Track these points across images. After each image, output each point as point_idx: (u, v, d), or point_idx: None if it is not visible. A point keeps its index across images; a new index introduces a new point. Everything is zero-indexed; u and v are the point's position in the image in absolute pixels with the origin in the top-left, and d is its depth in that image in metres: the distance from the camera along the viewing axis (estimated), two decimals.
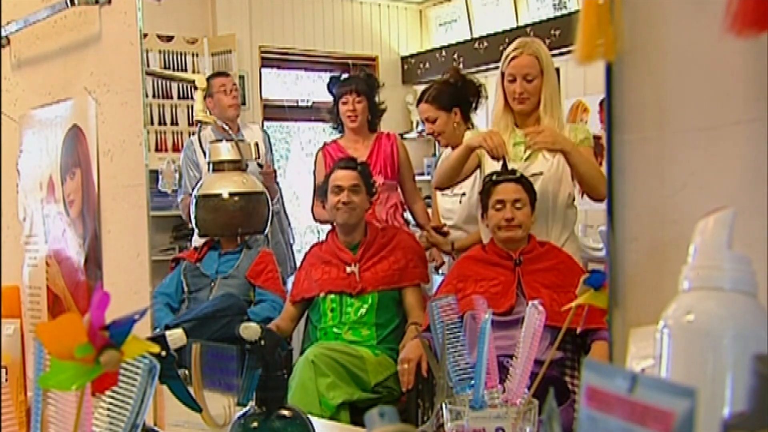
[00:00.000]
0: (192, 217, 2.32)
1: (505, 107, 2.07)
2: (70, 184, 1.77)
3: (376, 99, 2.76)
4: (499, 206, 1.90)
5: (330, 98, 2.81)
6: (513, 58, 2.05)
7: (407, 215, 2.78)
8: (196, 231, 2.43)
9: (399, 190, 2.74)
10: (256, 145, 2.57)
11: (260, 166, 2.59)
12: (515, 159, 2.00)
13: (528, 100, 2.04)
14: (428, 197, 4.44)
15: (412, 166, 2.82)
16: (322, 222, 2.66)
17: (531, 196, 1.91)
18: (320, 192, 2.43)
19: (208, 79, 2.87)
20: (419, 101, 2.58)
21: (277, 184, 2.92)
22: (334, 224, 2.40)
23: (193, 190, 2.38)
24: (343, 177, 2.35)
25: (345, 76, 2.86)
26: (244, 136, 2.70)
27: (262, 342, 1.03)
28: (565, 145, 1.88)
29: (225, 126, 2.33)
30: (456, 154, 2.07)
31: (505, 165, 1.94)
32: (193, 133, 2.66)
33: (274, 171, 2.89)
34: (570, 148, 1.88)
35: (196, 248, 2.53)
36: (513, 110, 2.06)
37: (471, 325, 1.22)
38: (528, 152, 2.01)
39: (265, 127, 3.65)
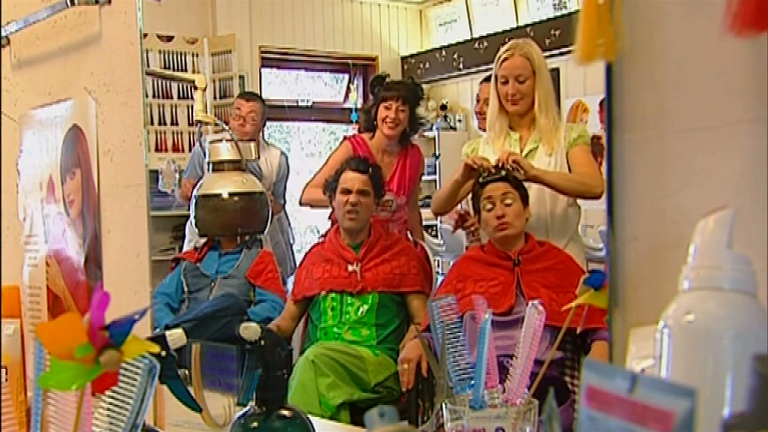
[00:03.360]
0: (192, 216, 2.32)
1: (499, 109, 2.08)
2: (70, 184, 1.77)
3: (418, 112, 2.68)
4: (489, 205, 1.91)
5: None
6: (504, 60, 2.06)
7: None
8: (195, 231, 2.42)
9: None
10: (257, 145, 2.57)
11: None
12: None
13: (521, 101, 2.04)
14: (428, 197, 4.45)
15: None
16: (312, 206, 2.62)
17: (521, 192, 1.92)
18: (329, 188, 2.41)
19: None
20: (485, 80, 2.57)
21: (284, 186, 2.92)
22: (338, 223, 2.40)
23: (194, 186, 2.37)
24: (353, 180, 2.34)
25: (390, 78, 2.73)
26: (259, 158, 2.67)
27: (262, 342, 1.03)
28: (530, 174, 1.90)
29: (225, 126, 2.32)
30: (448, 187, 2.09)
31: (498, 170, 1.95)
32: (193, 134, 2.66)
33: (281, 206, 2.88)
34: (539, 175, 1.91)
35: (196, 248, 2.53)
36: (507, 112, 2.07)
37: (471, 325, 1.22)
38: (524, 153, 2.02)
39: (265, 128, 3.65)
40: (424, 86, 4.59)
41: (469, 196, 2.06)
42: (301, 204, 2.71)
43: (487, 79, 2.57)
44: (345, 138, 2.73)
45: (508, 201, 1.90)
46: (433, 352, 1.17)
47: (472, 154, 2.09)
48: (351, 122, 3.90)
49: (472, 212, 2.05)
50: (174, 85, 2.99)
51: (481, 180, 1.95)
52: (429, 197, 4.41)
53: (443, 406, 1.09)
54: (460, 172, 2.01)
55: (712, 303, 0.64)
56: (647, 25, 0.91)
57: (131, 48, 1.60)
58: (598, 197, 1.79)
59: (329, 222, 2.57)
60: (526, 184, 1.94)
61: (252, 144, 2.50)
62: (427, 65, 4.58)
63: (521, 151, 2.03)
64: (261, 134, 2.88)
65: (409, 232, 2.64)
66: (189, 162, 2.71)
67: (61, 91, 1.81)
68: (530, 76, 2.04)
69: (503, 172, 1.93)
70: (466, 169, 1.98)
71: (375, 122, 2.63)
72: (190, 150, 2.90)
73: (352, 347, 2.19)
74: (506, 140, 2.05)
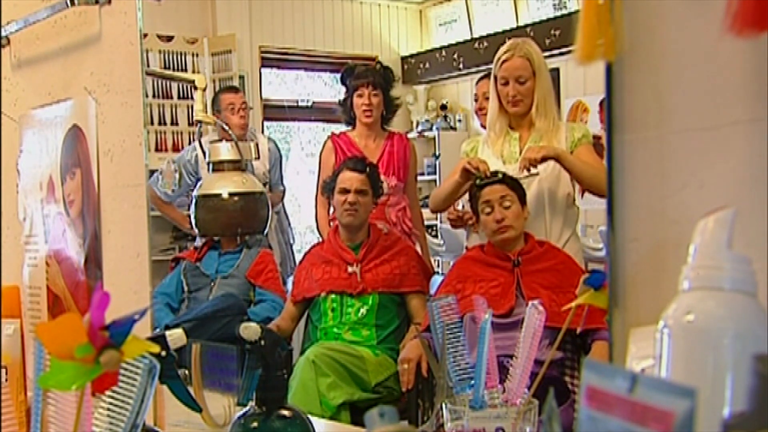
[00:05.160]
0: (192, 217, 2.32)
1: (499, 110, 2.07)
2: (70, 184, 1.77)
3: (392, 94, 2.68)
4: (488, 209, 1.90)
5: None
6: (504, 61, 2.05)
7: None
8: (196, 231, 2.43)
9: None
10: (256, 145, 2.57)
11: (264, 185, 2.57)
12: (510, 160, 2.01)
13: (522, 102, 2.04)
14: (428, 197, 4.45)
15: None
16: (322, 228, 2.62)
17: (518, 193, 1.91)
18: (327, 188, 2.42)
19: (217, 94, 2.86)
20: (482, 78, 2.56)
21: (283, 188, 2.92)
22: (337, 224, 2.40)
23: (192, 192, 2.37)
24: (351, 179, 2.34)
25: (361, 67, 2.73)
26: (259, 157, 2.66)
27: (262, 342, 1.03)
28: (551, 152, 1.89)
29: (225, 126, 2.32)
30: (448, 188, 2.08)
31: (494, 173, 1.95)
32: (193, 134, 2.65)
33: (281, 194, 2.88)
34: (559, 153, 1.89)
35: (196, 248, 2.53)
36: (507, 112, 2.07)
37: (471, 327, 1.22)
38: (523, 152, 2.02)
39: (265, 128, 3.65)
40: (424, 86, 4.62)
41: (466, 195, 2.06)
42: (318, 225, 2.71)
43: (484, 77, 2.58)
44: (328, 137, 2.74)
45: (507, 203, 1.89)
46: (433, 352, 1.17)
47: (471, 153, 2.09)
48: None
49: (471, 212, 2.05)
50: (174, 85, 2.99)
51: (477, 183, 1.95)
52: (429, 197, 4.43)
53: (443, 406, 1.09)
54: (458, 173, 2.01)
55: (712, 303, 0.64)
56: (647, 25, 0.91)
57: (131, 48, 1.60)
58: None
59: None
60: (524, 184, 1.94)
61: (252, 144, 2.50)
62: (427, 65, 4.58)
63: (521, 150, 2.02)
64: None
65: (408, 221, 2.64)
66: (182, 179, 2.65)
67: (61, 91, 1.81)
68: (530, 77, 2.03)
69: (500, 175, 1.92)
70: (464, 171, 1.98)
71: (352, 113, 2.64)
72: None
73: (352, 347, 2.19)
74: (506, 140, 2.05)
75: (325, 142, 2.73)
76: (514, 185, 1.91)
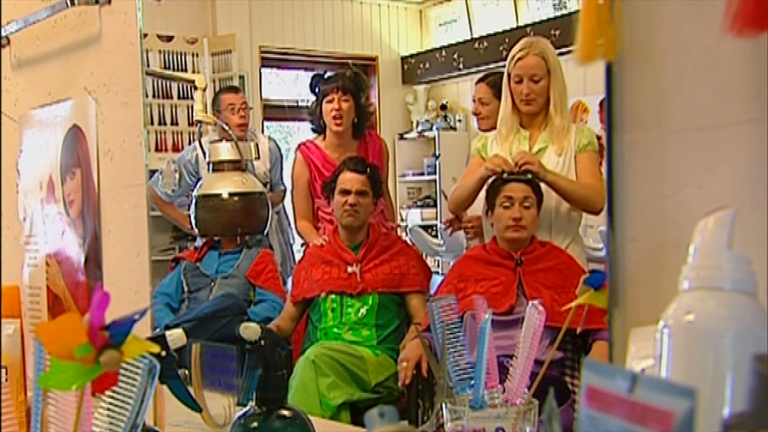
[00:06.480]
0: (192, 217, 2.32)
1: (513, 108, 2.06)
2: (70, 184, 1.77)
3: (363, 101, 2.60)
4: (507, 204, 1.89)
5: None
6: (519, 59, 2.03)
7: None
8: (196, 231, 2.43)
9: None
10: (256, 145, 2.57)
11: (264, 184, 2.56)
12: None
13: (535, 101, 2.03)
14: (428, 197, 4.45)
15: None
16: (307, 241, 2.57)
17: (539, 198, 1.91)
18: (326, 189, 2.41)
19: (217, 94, 2.85)
20: (480, 81, 2.55)
21: (284, 188, 2.92)
22: (336, 224, 2.40)
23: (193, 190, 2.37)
24: (352, 180, 2.33)
25: (330, 73, 2.66)
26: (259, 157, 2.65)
27: (262, 342, 1.03)
28: (537, 167, 1.89)
29: (225, 126, 2.32)
30: (472, 185, 2.04)
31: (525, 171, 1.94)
32: (193, 134, 2.65)
33: (282, 194, 2.87)
34: (555, 181, 1.89)
35: (196, 248, 2.53)
36: (519, 111, 2.06)
37: (471, 325, 1.22)
38: (533, 151, 2.01)
39: (265, 128, 3.65)
40: (424, 86, 4.62)
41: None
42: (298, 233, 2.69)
43: (481, 80, 2.57)
44: (296, 148, 2.69)
45: (527, 204, 1.89)
46: (433, 352, 1.17)
47: (482, 151, 2.09)
48: None
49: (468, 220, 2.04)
50: (174, 85, 2.99)
51: (504, 176, 1.92)
52: (429, 197, 4.43)
53: (443, 406, 1.09)
54: (480, 174, 1.99)
55: (712, 303, 0.64)
56: (647, 25, 0.91)
57: (131, 48, 1.60)
58: (597, 213, 1.80)
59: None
60: None
61: (252, 144, 2.50)
62: (427, 65, 4.58)
63: (530, 149, 2.02)
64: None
65: (386, 221, 2.62)
66: (182, 179, 2.63)
67: (61, 91, 1.81)
68: (545, 76, 2.02)
69: (529, 175, 1.91)
70: (486, 173, 1.96)
71: (322, 121, 2.58)
72: None
73: (352, 347, 2.19)
74: (516, 138, 2.04)
75: (295, 156, 2.66)
76: (538, 190, 1.90)
